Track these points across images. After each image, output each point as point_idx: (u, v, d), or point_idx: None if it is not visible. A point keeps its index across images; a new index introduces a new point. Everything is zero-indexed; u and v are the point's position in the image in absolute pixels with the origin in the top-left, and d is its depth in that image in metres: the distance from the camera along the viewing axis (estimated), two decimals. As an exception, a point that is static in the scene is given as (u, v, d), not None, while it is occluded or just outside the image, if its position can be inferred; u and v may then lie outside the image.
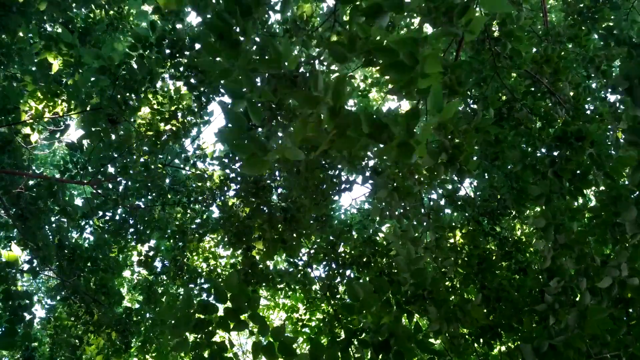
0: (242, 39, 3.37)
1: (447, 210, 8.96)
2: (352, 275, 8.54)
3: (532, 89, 6.33)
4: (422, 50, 2.75)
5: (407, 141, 2.67)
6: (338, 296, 8.45)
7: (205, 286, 9.83)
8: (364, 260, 8.13)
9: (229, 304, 3.91)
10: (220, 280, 9.72)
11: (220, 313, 3.98)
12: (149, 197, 9.62)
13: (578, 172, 5.46)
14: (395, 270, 6.98)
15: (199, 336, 4.00)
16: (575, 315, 4.45)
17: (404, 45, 2.69)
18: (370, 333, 4.44)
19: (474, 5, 3.81)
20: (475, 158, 6.74)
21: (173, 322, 3.91)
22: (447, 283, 6.94)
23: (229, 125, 2.88)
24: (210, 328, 3.98)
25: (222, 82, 3.39)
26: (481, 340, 6.52)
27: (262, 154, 2.80)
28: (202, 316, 3.95)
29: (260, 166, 2.86)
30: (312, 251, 8.85)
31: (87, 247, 9.04)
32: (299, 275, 9.11)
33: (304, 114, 2.88)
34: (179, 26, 8.06)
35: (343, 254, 8.49)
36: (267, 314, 15.06)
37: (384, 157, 2.81)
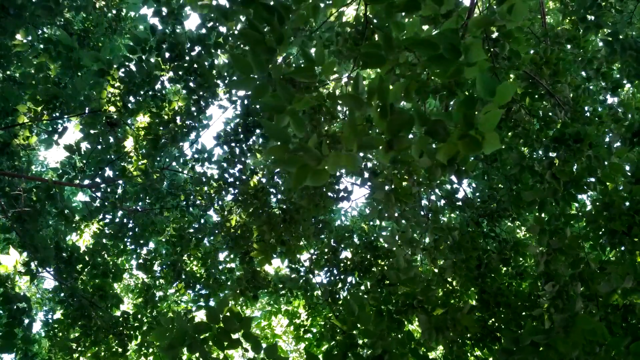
0: (276, 48, 3.20)
1: (446, 217, 8.92)
2: (353, 282, 8.52)
3: (530, 90, 6.31)
4: (463, 40, 2.67)
5: (467, 133, 2.50)
6: (340, 302, 8.42)
7: (204, 292, 9.78)
8: (366, 264, 8.11)
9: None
10: (218, 285, 9.68)
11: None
12: (147, 201, 9.61)
13: (573, 177, 5.43)
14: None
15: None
16: (563, 319, 4.35)
17: (445, 38, 2.59)
18: (364, 348, 4.44)
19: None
20: (473, 159, 6.72)
21: (167, 342, 3.94)
22: (447, 286, 6.91)
23: (272, 141, 2.76)
24: (205, 347, 4.01)
25: (258, 99, 3.22)
26: (480, 345, 6.48)
27: (316, 165, 2.64)
28: (196, 335, 3.99)
29: (319, 176, 2.68)
30: (313, 257, 8.82)
31: (86, 250, 9.01)
32: (300, 282, 9.09)
33: (352, 120, 2.73)
34: (178, 30, 8.07)
35: (345, 260, 8.47)
36: (268, 320, 15.02)
37: (448, 155, 2.62)
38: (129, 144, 9.10)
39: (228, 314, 3.97)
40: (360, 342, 4.52)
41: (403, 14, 3.16)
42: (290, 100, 2.90)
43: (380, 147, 2.69)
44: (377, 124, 2.65)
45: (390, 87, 2.75)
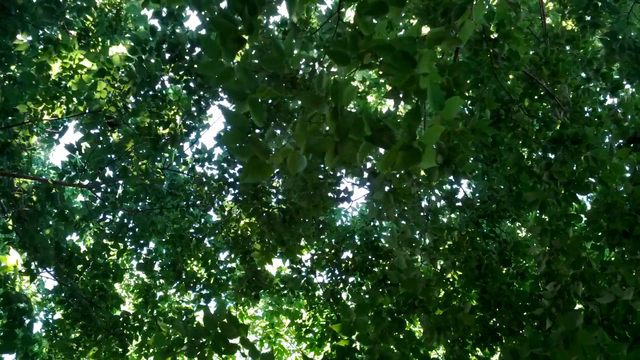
0: (246, 37, 3.19)
1: (447, 217, 8.91)
2: (355, 282, 8.53)
3: (530, 90, 6.30)
4: (420, 49, 2.64)
5: (410, 144, 2.45)
6: (341, 302, 8.43)
7: (205, 292, 9.78)
8: (367, 265, 8.11)
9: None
10: (219, 285, 9.69)
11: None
12: (147, 201, 9.61)
13: (574, 177, 5.41)
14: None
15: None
16: (561, 334, 4.27)
17: (401, 45, 2.58)
18: (362, 354, 4.45)
19: (470, 8, 3.69)
20: (472, 160, 6.72)
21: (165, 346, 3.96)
22: (449, 287, 6.91)
23: (230, 127, 2.74)
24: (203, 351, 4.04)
25: (222, 84, 3.21)
26: (482, 344, 6.48)
27: (264, 157, 2.65)
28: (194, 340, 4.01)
29: (262, 171, 2.70)
30: (315, 257, 8.83)
31: (86, 250, 9.02)
32: (302, 281, 9.10)
33: (304, 117, 2.73)
34: (178, 30, 8.08)
35: (346, 260, 8.47)
36: (270, 320, 15.04)
37: (389, 165, 2.57)
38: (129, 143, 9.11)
39: (225, 320, 3.99)
40: (358, 346, 4.53)
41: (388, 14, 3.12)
42: (253, 89, 2.89)
43: (328, 151, 2.64)
44: (328, 124, 2.61)
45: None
